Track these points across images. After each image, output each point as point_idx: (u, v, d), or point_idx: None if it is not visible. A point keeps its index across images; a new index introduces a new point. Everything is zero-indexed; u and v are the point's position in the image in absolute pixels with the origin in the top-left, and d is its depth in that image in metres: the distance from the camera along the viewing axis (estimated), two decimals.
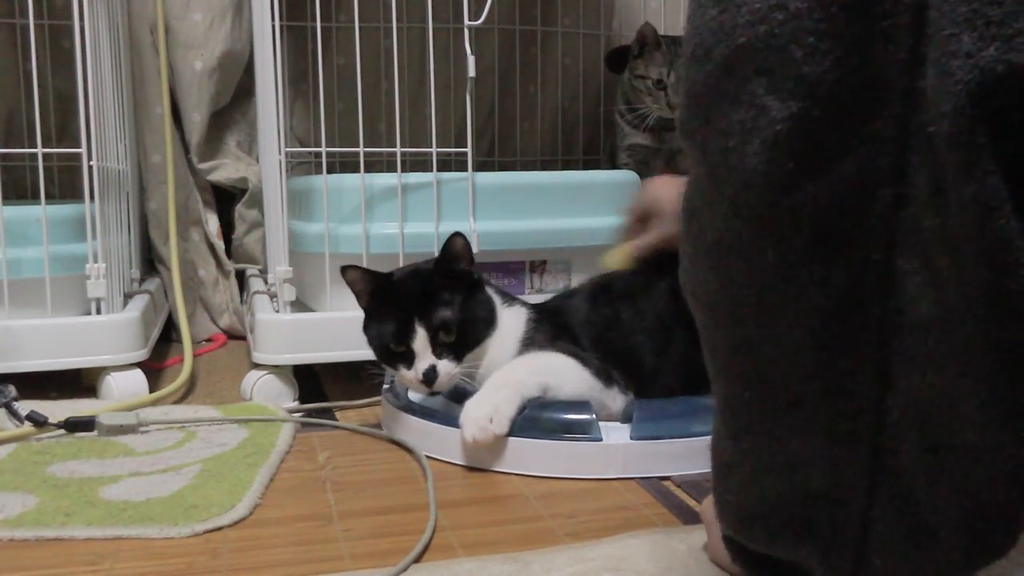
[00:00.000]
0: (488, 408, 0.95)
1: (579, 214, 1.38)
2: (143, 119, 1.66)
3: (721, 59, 0.49)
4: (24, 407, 1.09)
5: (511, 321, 1.06)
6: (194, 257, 1.73)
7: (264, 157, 1.44)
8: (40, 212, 1.25)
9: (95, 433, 1.08)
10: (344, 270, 1.03)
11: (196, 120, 1.67)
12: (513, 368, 1.00)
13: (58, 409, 1.13)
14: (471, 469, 0.98)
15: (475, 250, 1.27)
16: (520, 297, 1.12)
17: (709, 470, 0.61)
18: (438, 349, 1.00)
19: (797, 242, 0.48)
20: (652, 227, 1.07)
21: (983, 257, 0.42)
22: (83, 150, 1.27)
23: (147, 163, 1.68)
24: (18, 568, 0.75)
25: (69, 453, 1.02)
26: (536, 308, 1.09)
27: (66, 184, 1.70)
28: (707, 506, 0.70)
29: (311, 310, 1.32)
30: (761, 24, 0.47)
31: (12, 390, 1.13)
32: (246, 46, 1.70)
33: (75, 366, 1.26)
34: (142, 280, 1.60)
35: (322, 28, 1.31)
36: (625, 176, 1.48)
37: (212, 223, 1.75)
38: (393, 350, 1.01)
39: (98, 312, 1.28)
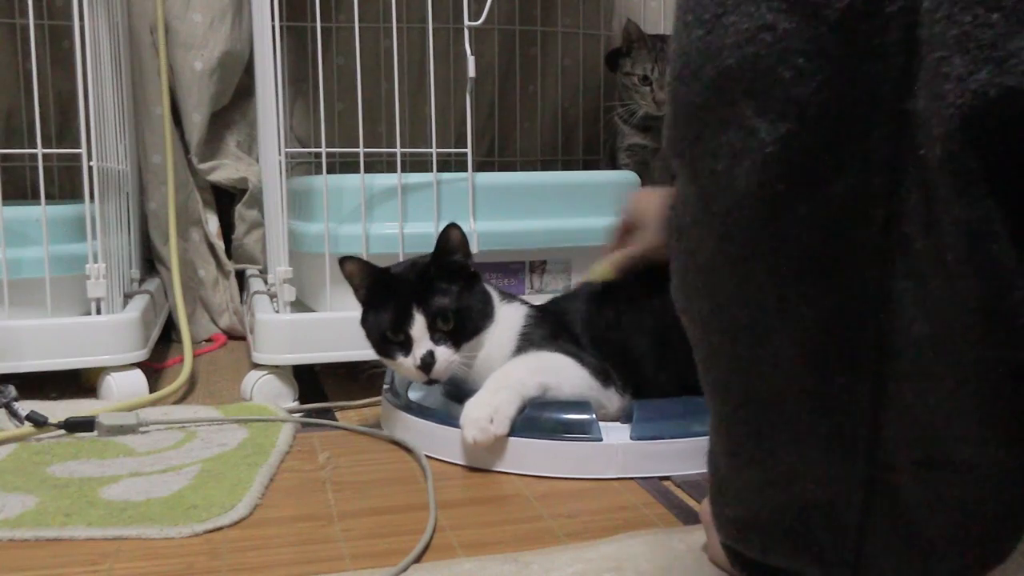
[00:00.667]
0: (488, 409, 0.95)
1: (579, 214, 1.38)
2: (143, 119, 1.66)
3: (709, 80, 0.48)
4: (24, 407, 1.09)
5: (509, 316, 1.06)
6: (194, 257, 1.73)
7: (264, 157, 1.44)
8: (40, 212, 1.25)
9: (95, 433, 1.08)
10: (342, 262, 1.04)
11: (196, 120, 1.67)
12: (512, 368, 1.00)
13: (58, 409, 1.13)
14: (471, 469, 0.98)
15: (475, 250, 1.28)
16: (520, 297, 1.12)
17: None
18: (436, 336, 1.00)
19: (789, 262, 0.48)
20: (636, 238, 1.07)
21: (974, 278, 0.42)
22: (83, 150, 1.27)
23: (147, 163, 1.68)
24: (18, 568, 0.75)
25: (69, 453, 1.02)
26: (535, 307, 1.10)
27: (66, 184, 1.70)
28: (707, 507, 0.70)
29: (311, 310, 1.32)
30: (748, 46, 0.46)
31: (12, 390, 1.13)
32: (246, 46, 1.70)
33: (75, 366, 1.26)
34: (142, 280, 1.60)
35: (322, 28, 1.31)
36: (625, 176, 1.48)
37: (212, 223, 1.75)
38: (390, 339, 1.01)
39: (98, 312, 1.28)
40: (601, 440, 0.95)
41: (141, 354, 1.30)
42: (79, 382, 1.31)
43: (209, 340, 1.71)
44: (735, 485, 0.57)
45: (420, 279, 1.02)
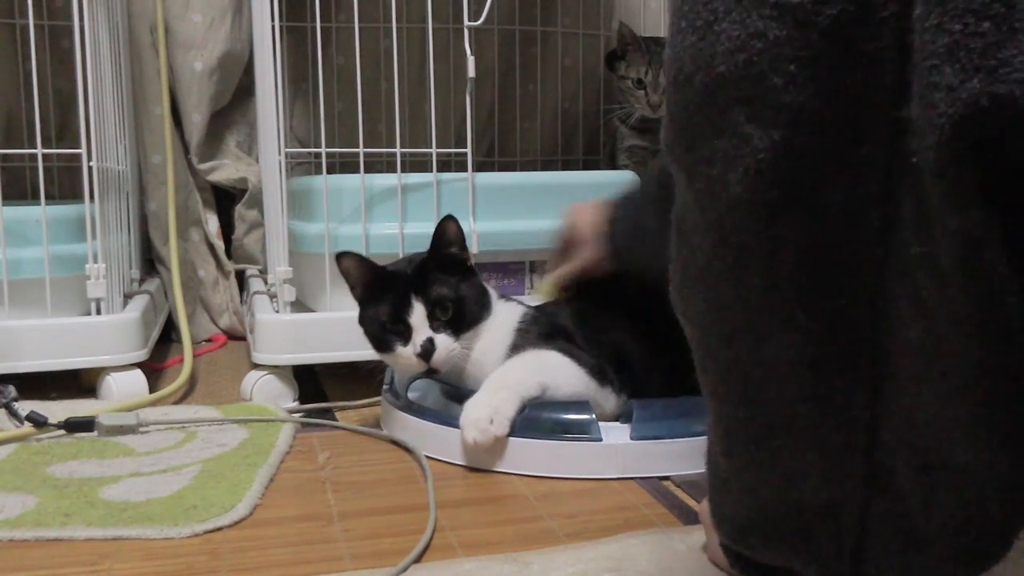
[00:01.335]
0: (488, 409, 0.95)
1: None
2: (143, 119, 1.66)
3: (701, 87, 0.48)
4: (24, 407, 1.09)
5: (506, 313, 1.07)
6: (194, 257, 1.73)
7: (264, 157, 1.44)
8: (40, 212, 1.25)
9: (95, 433, 1.08)
10: (339, 257, 1.04)
11: (196, 120, 1.67)
12: (511, 367, 1.00)
13: (58, 409, 1.13)
14: (471, 469, 0.98)
15: (475, 250, 1.28)
16: (515, 297, 1.12)
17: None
18: (435, 324, 1.00)
19: (785, 268, 0.48)
20: (574, 254, 1.07)
21: (969, 286, 0.42)
22: (83, 151, 1.27)
23: (147, 163, 1.68)
24: (18, 568, 0.75)
25: (69, 453, 1.02)
26: (531, 307, 1.10)
27: (66, 184, 1.70)
28: (706, 507, 0.70)
29: (311, 310, 1.32)
30: (740, 53, 0.46)
31: (12, 390, 1.13)
32: (246, 46, 1.70)
33: (75, 366, 1.26)
34: (142, 280, 1.60)
35: (322, 28, 1.31)
36: (625, 177, 1.48)
37: (212, 223, 1.75)
38: (389, 329, 1.01)
39: (98, 312, 1.28)
40: (601, 440, 0.95)
41: (141, 354, 1.30)
42: (79, 382, 1.31)
43: (209, 340, 1.71)
44: (734, 486, 0.57)
45: (418, 271, 1.03)
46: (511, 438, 0.96)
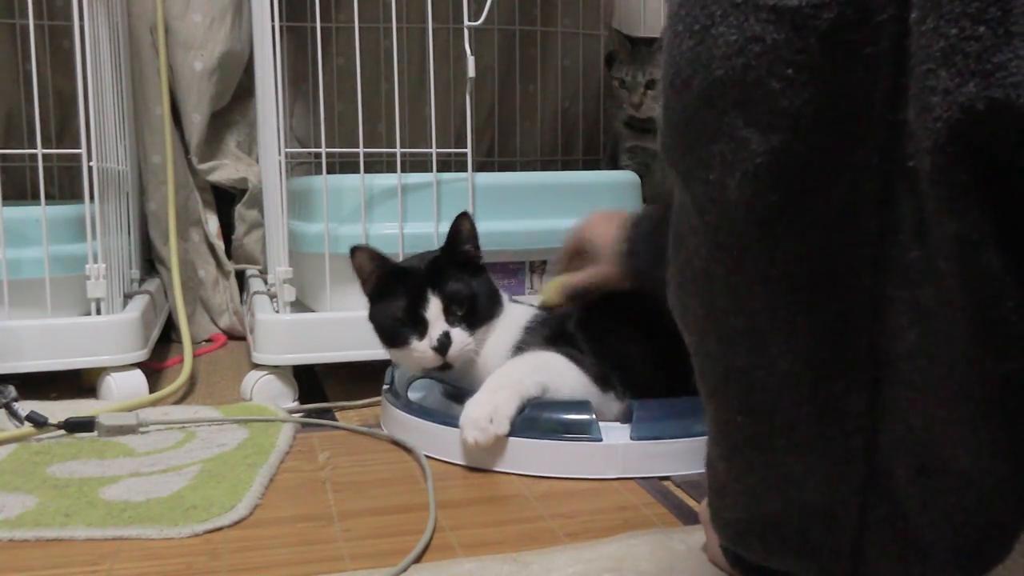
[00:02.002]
0: (488, 409, 0.95)
1: (579, 214, 1.37)
2: (143, 119, 1.67)
3: (698, 91, 0.48)
4: (24, 407, 1.09)
5: (515, 313, 1.07)
6: (194, 257, 1.73)
7: (264, 157, 1.44)
8: (40, 212, 1.25)
9: (95, 434, 1.08)
10: (353, 252, 1.03)
11: (196, 120, 1.67)
12: (512, 367, 1.00)
13: (58, 410, 1.13)
14: (471, 469, 0.98)
15: None
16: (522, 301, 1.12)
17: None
18: (450, 319, 1.01)
19: (783, 272, 0.48)
20: (587, 263, 1.06)
21: (967, 290, 0.42)
22: (83, 151, 1.27)
23: (147, 163, 1.68)
24: (18, 568, 0.75)
25: (69, 453, 1.02)
26: (539, 309, 1.10)
27: (66, 184, 1.70)
28: (706, 507, 0.70)
29: (311, 310, 1.32)
30: (738, 57, 0.46)
31: (12, 391, 1.13)
32: (246, 46, 1.70)
33: (75, 366, 1.26)
34: (142, 280, 1.60)
35: (322, 28, 1.31)
36: (625, 176, 1.48)
37: (212, 223, 1.75)
38: (403, 323, 1.01)
39: (98, 312, 1.28)
40: (601, 440, 0.95)
41: (141, 354, 1.30)
42: (79, 382, 1.31)
43: (209, 340, 1.71)
44: (733, 489, 0.57)
45: (433, 266, 1.04)
46: (511, 438, 0.96)
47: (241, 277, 1.74)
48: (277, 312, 1.26)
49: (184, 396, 1.31)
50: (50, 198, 1.31)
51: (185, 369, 1.35)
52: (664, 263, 0.57)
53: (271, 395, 1.23)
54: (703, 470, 0.61)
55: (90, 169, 1.27)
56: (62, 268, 1.27)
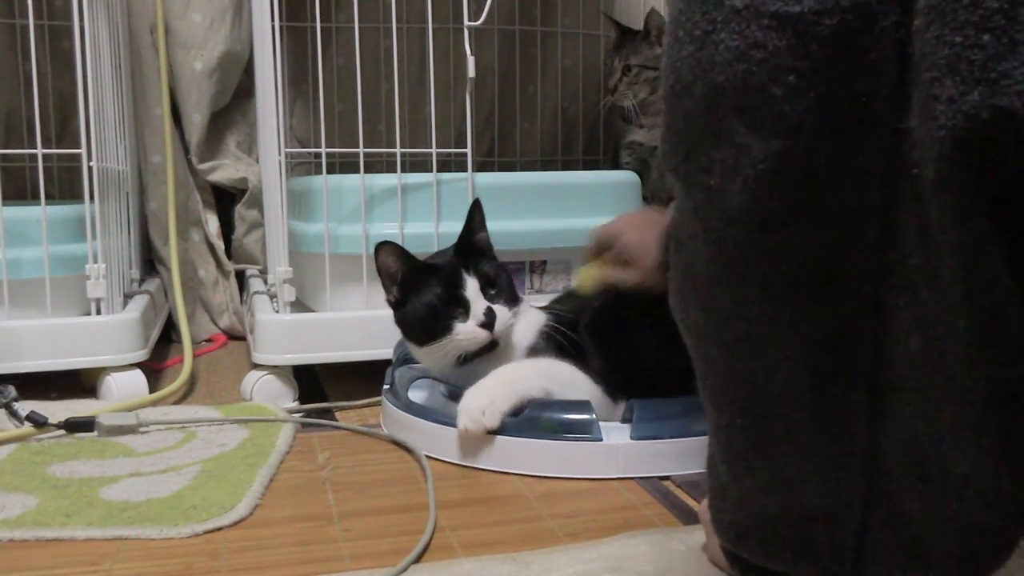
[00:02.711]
0: (484, 401, 0.95)
1: (579, 214, 1.38)
2: (143, 119, 1.66)
3: (700, 97, 0.48)
4: (24, 407, 1.09)
5: (533, 315, 1.08)
6: (194, 257, 1.73)
7: (264, 157, 1.44)
8: (40, 212, 1.25)
9: (95, 433, 1.08)
10: (378, 248, 1.03)
11: (196, 120, 1.67)
12: (522, 366, 1.00)
13: (58, 410, 1.13)
14: (471, 469, 0.98)
15: None
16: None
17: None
18: (488, 297, 1.02)
19: (784, 278, 0.48)
20: (619, 261, 1.05)
21: (969, 297, 0.42)
22: (83, 151, 1.27)
23: (147, 163, 1.68)
24: (18, 568, 0.75)
25: (69, 453, 1.02)
26: (554, 313, 1.09)
27: (66, 184, 1.70)
28: (706, 507, 0.70)
29: (311, 310, 1.32)
30: (739, 63, 0.46)
31: (12, 391, 1.13)
32: (246, 46, 1.70)
33: (75, 366, 1.26)
34: (142, 280, 1.60)
35: (322, 28, 1.31)
36: (625, 176, 1.48)
37: (212, 223, 1.75)
38: (444, 309, 1.01)
39: (98, 312, 1.28)
40: (601, 440, 0.95)
41: (141, 354, 1.30)
42: (79, 382, 1.31)
43: (209, 340, 1.71)
44: (734, 492, 0.57)
45: (459, 252, 1.05)
46: (512, 438, 0.96)
47: (241, 277, 1.74)
48: (277, 312, 1.26)
49: (184, 396, 1.31)
50: (50, 198, 1.31)
51: (185, 369, 1.35)
52: None
53: (271, 395, 1.23)
54: (703, 470, 0.61)
55: (90, 169, 1.27)
56: (62, 268, 1.27)
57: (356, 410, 1.23)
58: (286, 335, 1.24)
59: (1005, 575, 0.51)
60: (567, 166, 1.98)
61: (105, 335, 1.26)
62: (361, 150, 1.25)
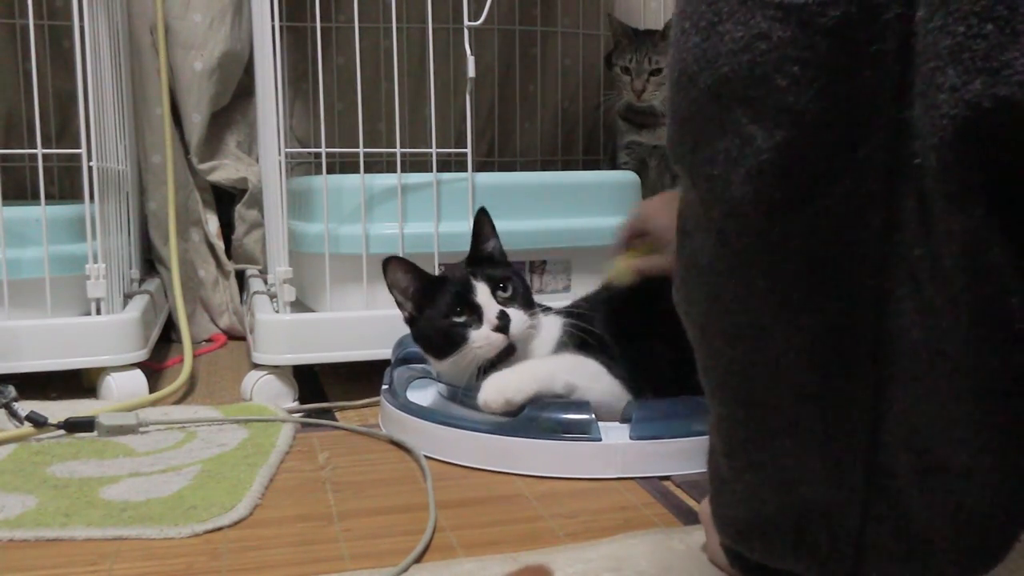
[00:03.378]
0: (509, 379, 0.96)
1: (579, 214, 1.38)
2: (143, 119, 1.66)
3: (705, 87, 0.48)
4: (24, 407, 1.09)
5: (550, 320, 1.07)
6: (194, 257, 1.73)
7: (264, 157, 1.44)
8: (40, 212, 1.25)
9: (95, 433, 1.08)
10: (387, 263, 1.02)
11: (196, 120, 1.67)
12: (547, 361, 1.01)
13: (58, 410, 1.13)
14: (471, 469, 0.98)
15: None
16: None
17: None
18: (500, 301, 1.01)
19: (787, 268, 0.48)
20: (649, 246, 1.06)
21: (972, 287, 0.42)
22: (83, 151, 1.27)
23: (147, 163, 1.68)
24: (18, 568, 0.75)
25: (69, 453, 1.02)
26: (569, 314, 1.09)
27: (66, 184, 1.70)
28: (706, 506, 0.70)
29: (311, 310, 1.32)
30: (744, 54, 0.46)
31: (12, 390, 1.13)
32: (246, 46, 1.70)
33: (75, 366, 1.26)
34: (142, 280, 1.60)
35: (322, 28, 1.31)
36: (625, 176, 1.48)
37: (212, 223, 1.75)
38: (456, 317, 1.00)
39: (98, 312, 1.28)
40: (601, 440, 0.95)
41: (141, 354, 1.30)
42: (79, 382, 1.31)
43: (209, 340, 1.71)
44: (735, 487, 0.57)
45: (469, 262, 1.05)
46: (511, 438, 0.96)
47: (241, 277, 1.74)
48: (277, 312, 1.26)
49: (184, 396, 1.31)
50: (50, 198, 1.31)
51: (185, 369, 1.35)
52: None
53: (271, 395, 1.23)
54: (703, 470, 0.61)
55: (90, 169, 1.27)
56: (62, 268, 1.27)
57: (356, 410, 1.23)
58: (286, 335, 1.24)
59: (1004, 571, 0.51)
60: (567, 166, 1.98)
61: (105, 335, 1.26)
62: (361, 150, 1.25)
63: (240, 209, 1.75)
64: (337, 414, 1.20)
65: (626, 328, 1.05)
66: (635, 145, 1.77)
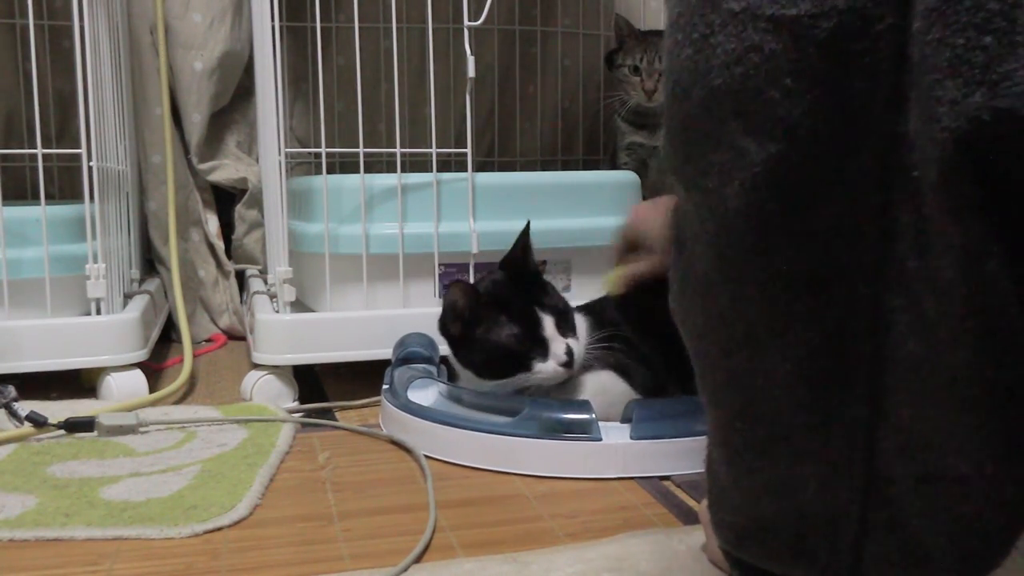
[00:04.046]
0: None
1: (579, 214, 1.38)
2: (143, 119, 1.66)
3: (698, 100, 0.48)
4: (24, 407, 1.09)
5: (577, 317, 1.08)
6: (194, 257, 1.73)
7: (264, 157, 1.44)
8: (40, 212, 1.25)
9: (95, 433, 1.08)
10: (450, 287, 1.02)
11: (196, 120, 1.67)
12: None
13: (58, 409, 1.13)
14: (471, 469, 0.98)
15: (475, 250, 1.28)
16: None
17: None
18: (560, 330, 1.01)
19: (782, 280, 0.48)
20: (643, 253, 1.06)
21: (970, 300, 0.42)
22: (83, 151, 1.27)
23: (147, 163, 1.68)
24: (18, 568, 0.75)
25: (69, 453, 1.02)
26: (587, 315, 1.10)
27: (66, 184, 1.70)
28: (706, 507, 0.70)
29: (311, 310, 1.32)
30: (736, 66, 0.46)
31: (12, 390, 1.13)
32: (246, 46, 1.70)
33: (75, 366, 1.26)
34: (142, 280, 1.60)
35: (322, 28, 1.31)
36: (625, 176, 1.48)
37: (212, 223, 1.75)
38: (525, 349, 1.00)
39: (98, 312, 1.28)
40: (601, 440, 0.95)
41: (141, 354, 1.30)
42: (79, 382, 1.31)
43: (209, 340, 1.71)
44: (733, 494, 0.57)
45: (524, 284, 1.05)
46: (511, 438, 0.96)
47: (241, 277, 1.74)
48: (277, 312, 1.26)
49: (184, 396, 1.31)
50: (50, 198, 1.31)
51: (185, 369, 1.35)
52: None
53: (271, 395, 1.23)
54: (703, 470, 0.61)
55: (90, 169, 1.27)
56: (62, 268, 1.27)
57: (356, 410, 1.23)
58: (286, 335, 1.24)
59: (1003, 572, 0.51)
60: (567, 166, 1.98)
61: (105, 335, 1.26)
62: (361, 150, 1.25)
63: (240, 209, 1.75)
64: (337, 414, 1.20)
65: (644, 324, 1.06)
66: (636, 146, 1.77)
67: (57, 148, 1.60)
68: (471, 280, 1.25)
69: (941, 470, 0.48)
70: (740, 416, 0.53)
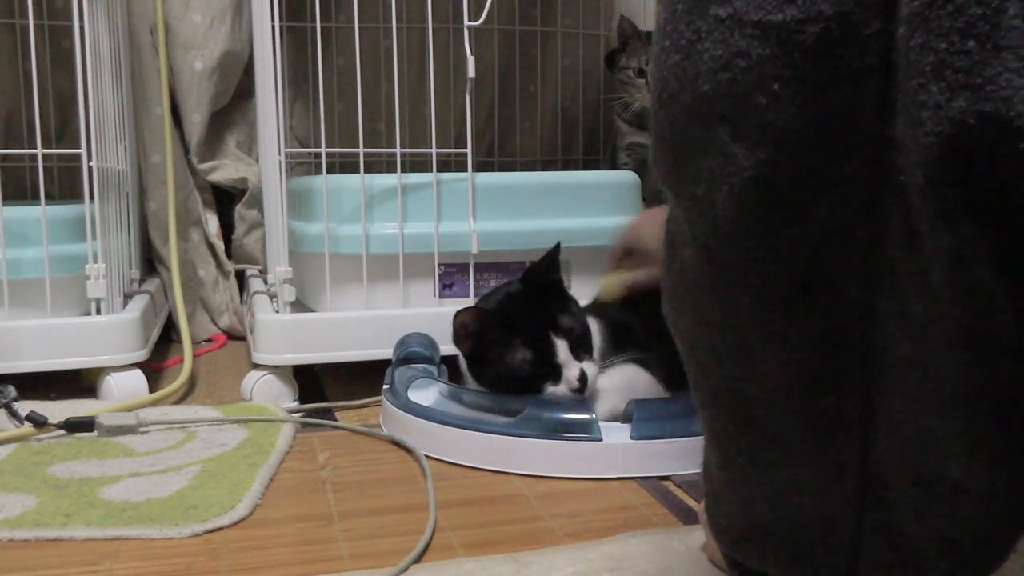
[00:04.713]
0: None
1: (579, 214, 1.38)
2: (143, 119, 1.66)
3: (686, 106, 0.48)
4: (24, 407, 1.09)
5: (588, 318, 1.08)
6: (194, 257, 1.73)
7: (264, 157, 1.44)
8: (40, 212, 1.25)
9: (95, 433, 1.08)
10: (458, 315, 1.01)
11: (196, 120, 1.67)
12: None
13: (58, 409, 1.13)
14: (471, 469, 0.98)
15: (475, 250, 1.28)
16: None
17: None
18: (575, 353, 1.00)
19: (773, 285, 0.48)
20: (638, 261, 1.06)
21: (959, 303, 0.42)
22: (83, 151, 1.27)
23: (147, 163, 1.68)
24: (18, 568, 0.75)
25: (69, 453, 1.02)
26: (597, 317, 1.09)
27: (66, 184, 1.70)
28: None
29: (311, 310, 1.32)
30: (724, 72, 0.46)
31: (12, 390, 1.13)
32: (246, 46, 1.70)
33: (75, 366, 1.26)
34: (142, 280, 1.60)
35: (322, 28, 1.31)
36: (625, 176, 1.48)
37: (212, 223, 1.75)
38: (537, 373, 0.99)
39: (98, 312, 1.28)
40: (601, 440, 0.95)
41: (141, 354, 1.30)
42: (79, 382, 1.31)
43: (209, 340, 1.71)
44: (729, 497, 0.57)
45: (540, 307, 1.02)
46: (511, 438, 0.96)
47: (241, 277, 1.74)
48: (277, 312, 1.26)
49: (184, 396, 1.31)
50: (50, 198, 1.31)
51: (185, 369, 1.35)
52: None
53: (271, 395, 1.23)
54: (701, 471, 0.61)
55: (90, 169, 1.27)
56: (62, 268, 1.27)
57: (356, 410, 1.23)
58: (286, 335, 1.24)
59: (1002, 574, 0.51)
60: (567, 166, 1.98)
61: (105, 335, 1.26)
62: (361, 150, 1.25)
63: (240, 209, 1.75)
64: (337, 414, 1.20)
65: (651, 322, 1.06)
66: (636, 147, 1.77)
67: (57, 148, 1.60)
68: (471, 280, 1.25)
69: (933, 474, 0.48)
70: (733, 420, 0.54)
